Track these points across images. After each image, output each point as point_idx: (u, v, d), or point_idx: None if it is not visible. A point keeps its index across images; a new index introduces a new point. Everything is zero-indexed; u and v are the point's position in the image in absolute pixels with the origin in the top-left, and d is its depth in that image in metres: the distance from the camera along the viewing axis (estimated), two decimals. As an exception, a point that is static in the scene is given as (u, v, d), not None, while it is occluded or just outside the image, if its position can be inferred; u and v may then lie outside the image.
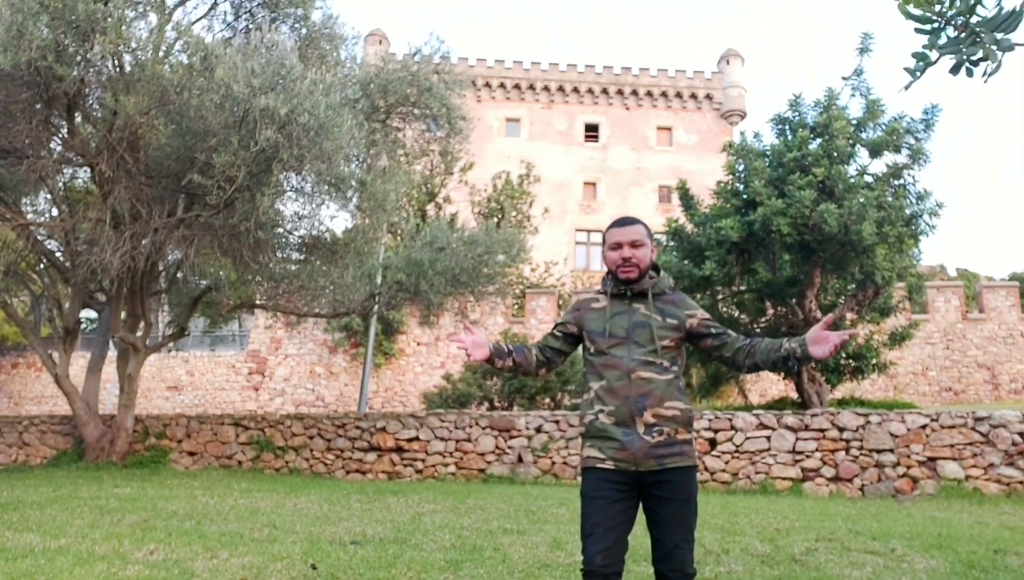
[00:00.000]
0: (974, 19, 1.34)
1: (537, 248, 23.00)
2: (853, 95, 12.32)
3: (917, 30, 1.39)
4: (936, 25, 1.36)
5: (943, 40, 1.37)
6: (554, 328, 2.78)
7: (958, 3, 1.34)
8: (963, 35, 1.33)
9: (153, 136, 9.25)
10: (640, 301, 2.60)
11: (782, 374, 13.89)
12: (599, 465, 2.50)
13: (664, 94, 40.06)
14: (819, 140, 11.81)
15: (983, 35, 1.29)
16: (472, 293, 12.58)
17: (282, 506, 7.18)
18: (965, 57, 1.35)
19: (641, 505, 2.56)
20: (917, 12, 1.34)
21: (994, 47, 1.29)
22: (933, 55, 1.40)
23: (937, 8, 1.33)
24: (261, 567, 4.24)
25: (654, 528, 2.52)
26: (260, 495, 8.21)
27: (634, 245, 2.61)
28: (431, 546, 4.98)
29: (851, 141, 11.77)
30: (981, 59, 1.35)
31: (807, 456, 9.57)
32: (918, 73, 1.43)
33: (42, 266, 13.31)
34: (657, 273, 2.70)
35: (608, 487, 2.47)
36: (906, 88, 1.43)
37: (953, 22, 1.35)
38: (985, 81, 1.38)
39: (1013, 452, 8.96)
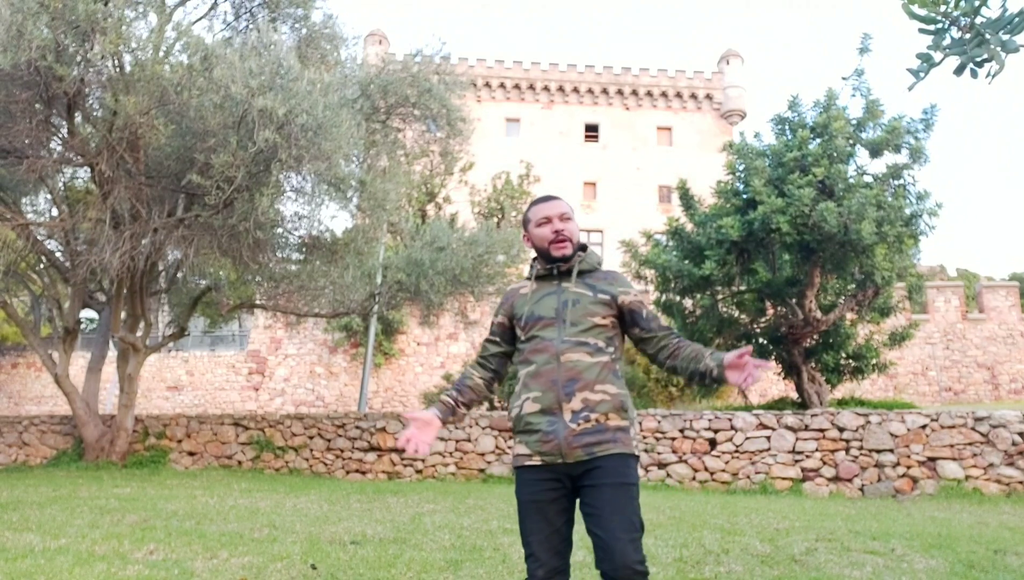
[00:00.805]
0: (979, 20, 1.34)
1: (537, 248, 22.93)
2: (853, 95, 12.33)
3: (921, 30, 1.39)
4: (941, 26, 1.36)
5: (947, 41, 1.37)
6: (490, 332, 2.57)
7: (963, 4, 1.34)
8: (968, 36, 1.33)
9: (153, 136, 9.24)
10: (568, 279, 2.42)
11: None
12: (527, 462, 2.30)
13: (664, 94, 40.08)
14: (819, 140, 11.82)
15: (988, 36, 1.29)
16: (472, 293, 12.59)
17: (282, 506, 7.18)
18: (969, 58, 1.35)
19: (580, 508, 2.32)
20: (922, 12, 1.34)
21: (999, 48, 1.28)
22: (937, 56, 1.39)
23: (942, 9, 1.33)
24: (261, 567, 4.24)
25: (590, 523, 2.23)
26: (260, 495, 8.21)
27: (563, 218, 2.44)
28: (431, 546, 4.97)
29: (851, 141, 11.78)
30: (985, 60, 1.34)
31: (807, 456, 9.57)
32: (922, 74, 1.42)
33: (42, 266, 13.31)
34: (583, 250, 2.51)
35: (540, 487, 2.27)
36: (910, 89, 1.42)
37: (958, 23, 1.35)
38: (989, 82, 1.37)
39: (1013, 452, 8.97)
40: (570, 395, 2.25)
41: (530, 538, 2.25)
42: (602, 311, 2.36)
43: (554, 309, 2.36)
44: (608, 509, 2.18)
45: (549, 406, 2.27)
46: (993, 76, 1.34)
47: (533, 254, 2.55)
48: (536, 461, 2.28)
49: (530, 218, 2.50)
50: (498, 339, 2.53)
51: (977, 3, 1.32)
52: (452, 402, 2.47)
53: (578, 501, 2.31)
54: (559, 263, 2.42)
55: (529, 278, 2.51)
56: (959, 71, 1.38)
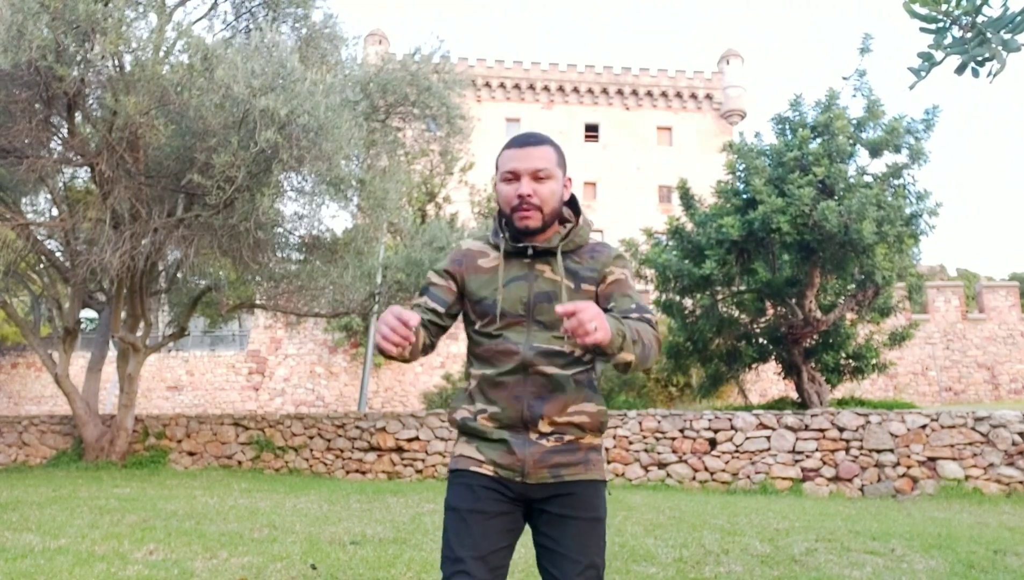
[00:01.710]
0: (980, 19, 1.34)
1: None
2: (854, 95, 12.35)
3: (922, 29, 1.39)
4: (942, 25, 1.36)
5: (949, 40, 1.37)
6: (430, 295, 1.91)
7: (964, 3, 1.34)
8: (969, 35, 1.33)
9: (153, 136, 9.24)
10: (546, 260, 1.84)
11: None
12: (474, 468, 1.80)
13: (664, 94, 40.09)
14: (819, 139, 11.83)
15: (990, 35, 1.29)
16: (472, 293, 12.56)
17: (282, 506, 7.18)
18: (971, 57, 1.35)
19: (533, 538, 1.84)
20: (923, 11, 1.34)
21: (1001, 47, 1.28)
22: (938, 55, 1.39)
23: (943, 7, 1.33)
24: (261, 567, 4.24)
25: (546, 559, 1.79)
26: (260, 495, 8.20)
27: (537, 176, 1.80)
28: (431, 546, 4.97)
29: (851, 141, 11.79)
30: (987, 59, 1.34)
31: (807, 456, 9.57)
32: (923, 73, 1.42)
33: (42, 266, 13.31)
34: (575, 217, 1.92)
35: (486, 496, 1.76)
36: (911, 88, 1.43)
37: (959, 22, 1.34)
38: (990, 82, 1.37)
39: (1013, 452, 8.97)
40: (537, 418, 1.78)
41: (462, 552, 1.71)
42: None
43: (523, 303, 1.82)
44: (572, 547, 1.76)
45: (511, 424, 1.80)
46: (994, 75, 1.34)
47: None
48: (487, 470, 1.79)
49: (498, 167, 1.87)
50: (443, 311, 1.89)
51: (979, 2, 1.32)
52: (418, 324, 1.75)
53: (530, 528, 1.85)
54: (527, 237, 1.83)
55: (494, 246, 1.89)
56: (960, 70, 1.39)
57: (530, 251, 1.84)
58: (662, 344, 1.86)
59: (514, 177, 1.82)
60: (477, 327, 1.88)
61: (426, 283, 1.95)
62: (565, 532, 1.77)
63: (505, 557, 1.78)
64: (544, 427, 1.78)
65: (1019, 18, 1.27)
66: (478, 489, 1.78)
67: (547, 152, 1.84)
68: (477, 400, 1.85)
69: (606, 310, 1.79)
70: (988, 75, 1.35)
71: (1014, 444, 8.98)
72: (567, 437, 1.80)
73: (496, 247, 1.88)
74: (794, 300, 12.50)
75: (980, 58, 1.34)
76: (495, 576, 1.74)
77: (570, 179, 1.92)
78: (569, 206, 1.93)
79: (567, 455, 1.80)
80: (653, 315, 1.83)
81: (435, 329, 1.89)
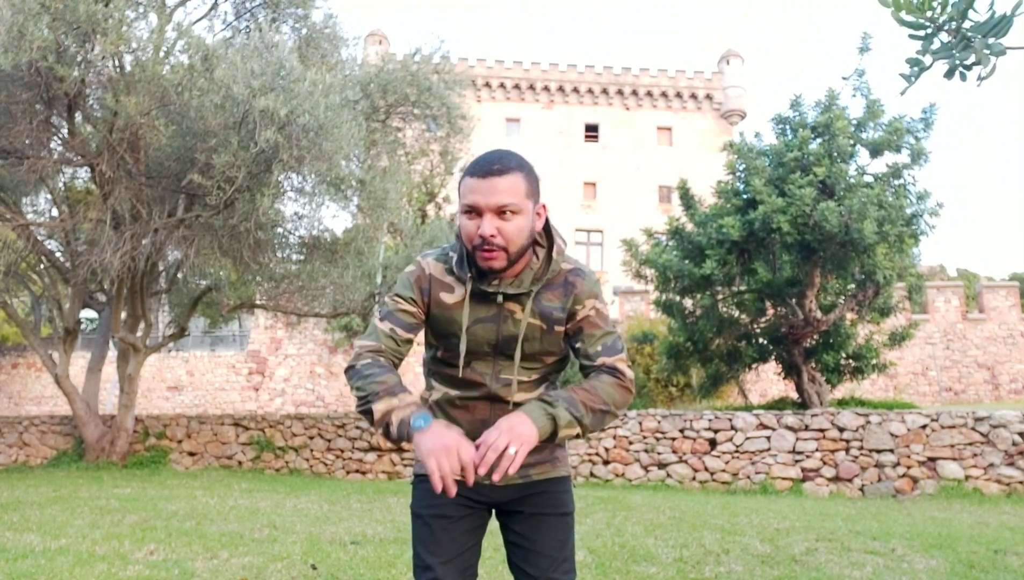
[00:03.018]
0: (966, 24, 1.35)
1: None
2: (854, 95, 12.35)
3: (911, 36, 1.40)
4: (929, 31, 1.38)
5: (936, 46, 1.38)
6: (399, 323, 1.72)
7: (950, 9, 1.35)
8: (955, 40, 1.35)
9: (153, 136, 9.26)
10: (517, 300, 1.69)
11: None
12: None
13: (664, 94, 40.08)
14: (820, 140, 11.83)
15: (975, 40, 1.30)
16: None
17: (282, 506, 7.19)
18: (958, 62, 1.36)
19: (502, 534, 1.83)
20: (910, 19, 1.35)
21: (986, 51, 1.30)
22: (927, 60, 1.41)
23: (929, 14, 1.35)
24: (261, 567, 4.25)
25: (518, 556, 1.77)
26: (260, 495, 8.21)
27: (501, 212, 1.59)
28: (431, 546, 4.97)
29: (852, 141, 11.79)
30: (974, 63, 1.36)
31: (807, 456, 9.57)
32: (913, 78, 1.44)
33: (42, 266, 13.33)
34: (548, 245, 1.71)
35: (449, 501, 1.66)
36: (902, 93, 1.44)
37: (945, 28, 1.36)
38: (979, 85, 1.39)
39: (1013, 452, 8.97)
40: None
41: (431, 559, 1.69)
42: (556, 348, 1.75)
43: (490, 344, 1.71)
44: (544, 543, 1.74)
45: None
46: (983, 79, 1.35)
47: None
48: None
49: (460, 194, 1.66)
50: (409, 335, 1.74)
51: (963, 8, 1.33)
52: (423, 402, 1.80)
53: (500, 528, 1.83)
54: (491, 278, 1.66)
55: (459, 278, 1.71)
56: (949, 75, 1.40)
57: (500, 298, 1.68)
58: (634, 387, 1.72)
59: (473, 212, 1.61)
60: (439, 355, 1.79)
61: (392, 308, 1.74)
62: (540, 530, 1.75)
63: (473, 554, 1.77)
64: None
65: (1002, 23, 1.28)
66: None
67: (514, 182, 1.60)
68: (439, 416, 1.77)
69: (573, 349, 1.74)
70: (977, 78, 1.36)
71: (1014, 444, 8.99)
72: None
73: (460, 280, 1.70)
74: (794, 300, 12.50)
75: (967, 62, 1.36)
76: (466, 577, 1.73)
77: (544, 205, 1.70)
78: (546, 233, 1.72)
79: (534, 455, 1.72)
80: (622, 354, 1.72)
81: (398, 359, 1.74)
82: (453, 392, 1.76)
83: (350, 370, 1.69)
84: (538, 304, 1.70)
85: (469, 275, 1.67)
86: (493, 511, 1.84)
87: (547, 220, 1.72)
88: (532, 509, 1.77)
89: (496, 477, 1.49)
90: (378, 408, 1.58)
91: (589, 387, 1.65)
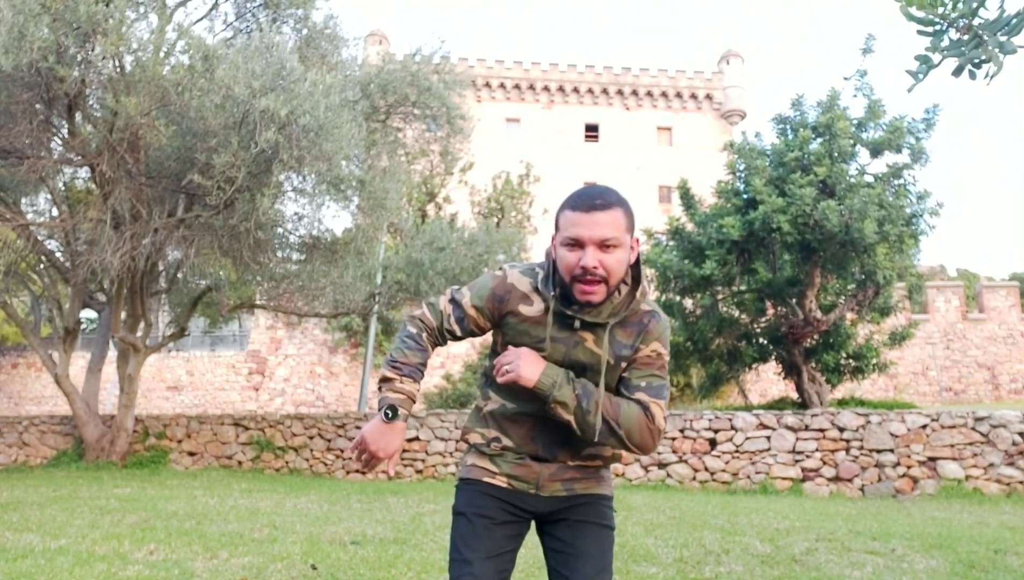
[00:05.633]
0: (977, 21, 1.34)
1: (537, 248, 23.02)
2: (855, 95, 12.36)
3: (919, 32, 1.39)
4: (938, 28, 1.36)
5: (946, 43, 1.37)
6: (453, 316, 1.85)
7: (961, 5, 1.34)
8: (966, 38, 1.33)
9: (154, 137, 9.25)
10: (592, 330, 1.75)
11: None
12: (487, 479, 1.82)
13: (664, 94, 40.10)
14: (821, 140, 11.83)
15: (986, 38, 1.29)
16: (472, 293, 12.58)
17: (282, 506, 7.19)
18: (968, 60, 1.35)
19: (541, 542, 1.88)
20: (919, 14, 1.34)
21: (997, 50, 1.29)
22: (936, 58, 1.40)
23: (940, 10, 1.33)
24: (261, 567, 4.24)
25: (559, 562, 1.80)
26: (260, 495, 8.21)
27: (605, 246, 1.65)
28: (431, 546, 4.98)
29: (852, 141, 11.79)
30: (984, 62, 1.35)
31: (807, 456, 9.57)
32: (921, 76, 1.43)
33: (42, 266, 13.32)
34: (635, 283, 1.77)
35: (494, 505, 1.79)
36: (909, 91, 1.43)
37: (956, 25, 1.35)
38: (987, 83, 1.38)
39: (1013, 452, 8.97)
40: (552, 459, 1.82)
41: (470, 554, 1.74)
42: (616, 382, 1.80)
43: (558, 364, 1.77)
44: (589, 550, 1.79)
45: (523, 455, 1.83)
46: (991, 77, 1.35)
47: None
48: (500, 482, 1.82)
49: (559, 226, 1.71)
50: (459, 333, 1.86)
51: (975, 5, 1.32)
52: (409, 399, 1.83)
53: (541, 539, 1.88)
54: (582, 310, 1.72)
55: (542, 296, 1.76)
56: (957, 72, 1.39)
57: (577, 324, 1.74)
58: (659, 437, 1.76)
59: (576, 245, 1.66)
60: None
61: (459, 303, 1.85)
62: (582, 535, 1.80)
63: (510, 560, 1.81)
64: (555, 467, 1.83)
65: (1015, 20, 1.27)
66: (487, 498, 1.81)
67: (616, 217, 1.66)
68: (491, 426, 1.86)
69: (620, 378, 1.79)
70: (985, 77, 1.36)
71: (1014, 444, 8.99)
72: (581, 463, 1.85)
73: (545, 301, 1.76)
74: (794, 300, 12.51)
75: (977, 60, 1.35)
76: (501, 578, 1.77)
77: (637, 239, 1.75)
78: (632, 268, 1.76)
79: (580, 472, 1.84)
80: (661, 401, 1.76)
81: (441, 341, 1.90)
82: (509, 404, 1.83)
83: (403, 330, 1.88)
84: (613, 336, 1.75)
85: (552, 294, 1.74)
86: (533, 524, 1.89)
87: (638, 256, 1.77)
88: (576, 516, 1.83)
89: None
90: (387, 375, 1.82)
91: (616, 401, 1.74)
